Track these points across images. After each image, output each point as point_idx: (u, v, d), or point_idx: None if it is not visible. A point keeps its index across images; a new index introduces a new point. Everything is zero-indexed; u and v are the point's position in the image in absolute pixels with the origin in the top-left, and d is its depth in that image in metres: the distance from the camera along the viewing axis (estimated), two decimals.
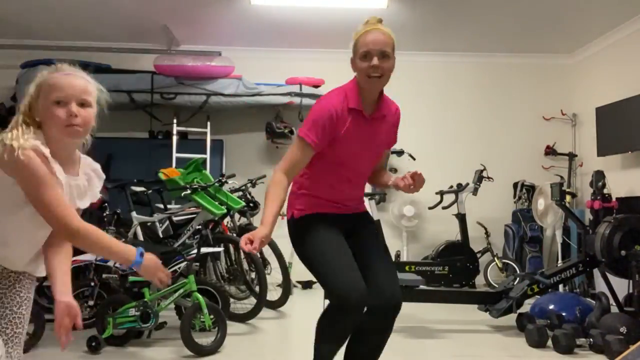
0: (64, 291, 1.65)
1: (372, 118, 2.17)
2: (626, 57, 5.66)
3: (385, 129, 2.24)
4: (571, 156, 6.39)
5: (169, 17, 5.53)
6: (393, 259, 5.69)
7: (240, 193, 4.96)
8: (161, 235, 4.59)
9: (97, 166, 1.79)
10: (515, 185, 6.44)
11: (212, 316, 3.39)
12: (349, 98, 2.13)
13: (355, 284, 2.01)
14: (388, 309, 2.13)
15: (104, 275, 3.93)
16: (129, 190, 4.57)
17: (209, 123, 5.96)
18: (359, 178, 2.28)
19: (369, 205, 5.56)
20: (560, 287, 4.89)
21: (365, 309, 2.09)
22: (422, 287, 4.18)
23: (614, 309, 3.88)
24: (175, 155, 5.64)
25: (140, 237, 4.39)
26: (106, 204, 4.20)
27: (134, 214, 4.44)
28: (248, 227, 4.75)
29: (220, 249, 4.53)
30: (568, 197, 5.38)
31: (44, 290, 4.36)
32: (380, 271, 2.17)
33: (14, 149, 1.47)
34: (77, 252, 4.09)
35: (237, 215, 5.07)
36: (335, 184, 2.21)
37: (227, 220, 4.74)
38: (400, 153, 6.23)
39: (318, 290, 4.13)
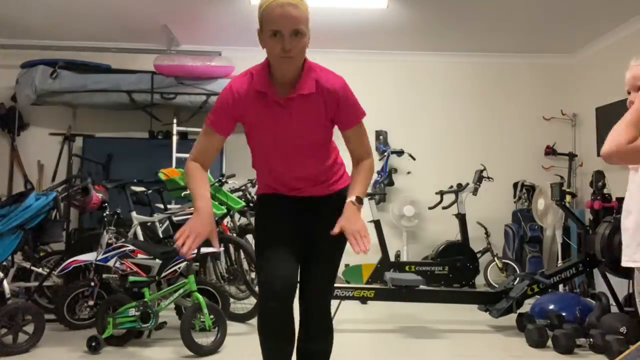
0: None
1: (287, 99, 1.87)
2: (626, 57, 5.57)
3: (313, 110, 1.90)
4: (571, 156, 6.39)
5: (169, 17, 5.52)
6: (393, 259, 5.74)
7: (240, 193, 4.97)
8: (161, 235, 4.59)
9: None
10: (515, 185, 6.44)
11: (212, 316, 3.39)
12: (255, 80, 1.89)
13: (281, 270, 1.89)
14: (308, 314, 2.04)
15: (104, 275, 3.94)
16: (129, 190, 4.57)
17: None
18: (296, 163, 1.99)
19: (368, 204, 5.55)
20: (560, 287, 4.89)
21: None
22: (422, 287, 4.18)
23: (614, 309, 3.88)
24: (175, 155, 5.63)
25: (140, 237, 4.39)
26: (106, 204, 4.20)
27: (134, 214, 4.44)
28: (248, 227, 4.77)
29: (221, 249, 4.53)
30: (568, 197, 5.38)
31: (43, 290, 4.37)
32: (311, 277, 2.04)
33: None
34: (77, 252, 4.10)
35: (237, 215, 5.09)
36: (272, 170, 2.03)
37: (227, 220, 4.74)
38: (400, 153, 6.25)
39: None
